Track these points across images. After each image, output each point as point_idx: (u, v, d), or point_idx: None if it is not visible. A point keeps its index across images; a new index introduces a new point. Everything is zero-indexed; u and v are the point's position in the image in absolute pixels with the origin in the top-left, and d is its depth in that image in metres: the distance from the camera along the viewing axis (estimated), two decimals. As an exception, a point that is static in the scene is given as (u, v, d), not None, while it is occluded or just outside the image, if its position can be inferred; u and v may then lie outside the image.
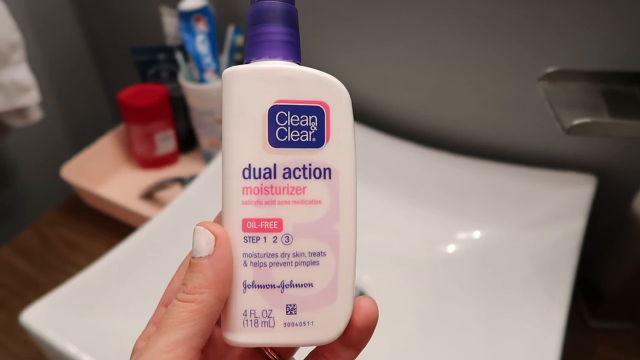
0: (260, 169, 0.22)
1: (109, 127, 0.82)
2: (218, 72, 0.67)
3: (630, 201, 0.50)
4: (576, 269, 0.47)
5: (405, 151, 0.59)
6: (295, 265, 0.22)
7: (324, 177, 0.22)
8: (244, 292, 0.22)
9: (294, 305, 0.22)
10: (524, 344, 0.43)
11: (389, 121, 0.63)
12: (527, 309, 0.46)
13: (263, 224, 0.22)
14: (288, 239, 0.22)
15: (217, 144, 0.71)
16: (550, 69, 0.41)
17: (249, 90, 0.22)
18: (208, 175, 0.59)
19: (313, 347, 0.24)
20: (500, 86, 0.55)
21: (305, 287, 0.22)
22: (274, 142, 0.22)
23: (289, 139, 0.22)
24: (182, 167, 0.76)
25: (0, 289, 0.65)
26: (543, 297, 0.45)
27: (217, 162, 0.62)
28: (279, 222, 0.22)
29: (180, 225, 0.53)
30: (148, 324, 0.25)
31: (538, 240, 0.51)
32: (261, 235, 0.22)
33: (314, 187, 0.22)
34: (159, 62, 0.72)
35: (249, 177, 0.22)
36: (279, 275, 0.22)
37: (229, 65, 0.67)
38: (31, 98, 0.66)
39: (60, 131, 0.86)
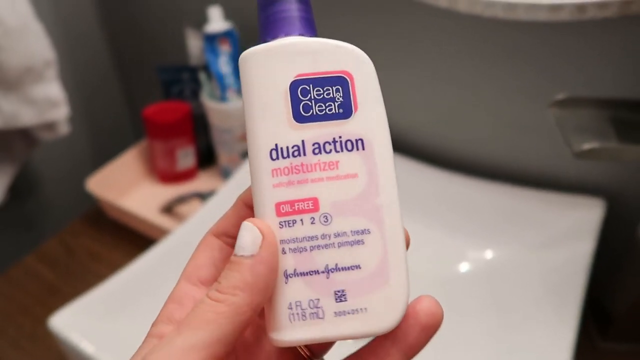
0: (288, 148, 0.20)
1: (131, 142, 0.85)
2: (239, 91, 0.69)
3: (639, 224, 0.51)
4: (585, 291, 0.48)
5: (416, 171, 0.61)
6: (339, 247, 0.20)
7: (357, 149, 0.21)
8: (286, 283, 0.20)
9: (342, 291, 0.20)
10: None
11: (400, 141, 0.65)
12: (536, 329, 0.46)
13: (298, 205, 0.20)
14: (327, 218, 0.20)
15: (236, 160, 0.73)
16: (560, 96, 0.43)
17: (268, 68, 0.21)
18: (227, 191, 0.61)
19: (357, 346, 0.21)
20: (511, 110, 0.56)
21: (352, 269, 0.20)
22: (299, 118, 0.21)
23: (314, 113, 0.21)
24: (201, 182, 0.78)
25: (25, 296, 0.67)
26: (552, 318, 0.46)
27: (236, 177, 0.64)
28: (315, 202, 0.20)
29: (199, 239, 0.55)
30: (167, 302, 0.22)
31: (548, 262, 0.52)
32: (297, 217, 0.20)
33: (348, 160, 0.20)
34: (183, 80, 0.75)
35: (277, 157, 0.20)
36: (321, 259, 0.20)
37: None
38: (61, 113, 0.69)
39: (85, 145, 0.89)
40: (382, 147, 0.21)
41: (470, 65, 0.56)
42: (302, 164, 0.20)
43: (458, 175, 0.59)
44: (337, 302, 0.20)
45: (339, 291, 0.20)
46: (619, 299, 0.54)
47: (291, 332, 0.20)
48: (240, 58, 0.22)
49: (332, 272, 0.20)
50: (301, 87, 0.21)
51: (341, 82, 0.21)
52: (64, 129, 0.72)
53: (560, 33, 0.50)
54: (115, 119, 0.93)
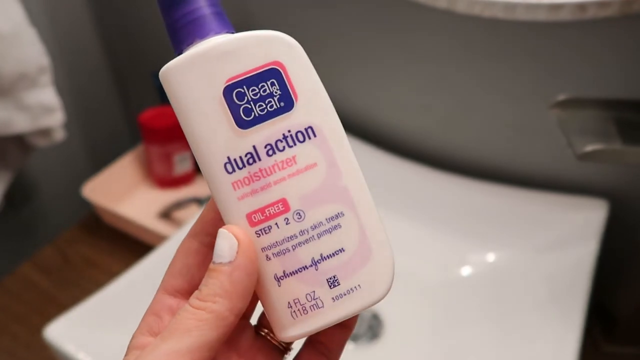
0: (241, 158, 0.20)
1: (127, 147, 0.84)
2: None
3: (643, 226, 0.51)
4: (589, 294, 0.47)
5: (418, 174, 0.60)
6: (319, 237, 0.20)
7: (309, 137, 0.20)
8: (279, 286, 0.20)
9: (334, 277, 0.21)
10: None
11: (402, 144, 0.64)
12: (539, 332, 0.46)
13: (268, 210, 0.20)
14: (300, 215, 0.20)
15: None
16: (562, 97, 0.42)
17: (194, 81, 0.20)
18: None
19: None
20: (513, 111, 0.56)
21: (337, 254, 0.21)
22: (243, 124, 0.20)
23: (256, 114, 0.20)
24: (199, 187, 0.77)
25: (21, 305, 0.66)
26: (556, 321, 0.46)
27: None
28: (284, 202, 0.20)
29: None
30: (146, 314, 0.23)
31: (551, 264, 0.51)
32: (271, 222, 0.20)
33: (304, 152, 0.20)
34: (178, 85, 0.74)
35: (233, 170, 0.20)
36: (306, 254, 0.20)
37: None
38: (56, 119, 0.68)
39: (81, 151, 0.88)
40: (333, 129, 0.21)
41: (471, 67, 0.56)
42: (260, 170, 0.20)
43: (459, 177, 0.59)
44: (331, 288, 0.21)
45: (330, 278, 0.21)
46: (624, 302, 0.53)
47: (297, 327, 0.21)
48: (160, 76, 0.20)
49: (319, 262, 0.20)
50: (235, 91, 0.20)
51: (274, 74, 0.20)
52: (59, 135, 0.71)
53: (561, 33, 0.49)
54: (111, 124, 0.92)
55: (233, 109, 0.20)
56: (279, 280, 0.20)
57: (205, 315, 0.19)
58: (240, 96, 0.20)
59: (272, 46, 0.20)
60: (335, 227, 0.20)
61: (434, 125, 0.62)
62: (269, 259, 0.20)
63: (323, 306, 0.21)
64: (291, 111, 0.20)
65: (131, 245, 0.71)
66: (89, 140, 0.89)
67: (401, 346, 0.49)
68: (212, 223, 0.22)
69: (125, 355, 0.21)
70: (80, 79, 0.85)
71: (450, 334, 0.50)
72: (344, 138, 0.21)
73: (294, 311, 0.21)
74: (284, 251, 0.20)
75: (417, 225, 0.57)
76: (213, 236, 0.22)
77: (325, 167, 0.20)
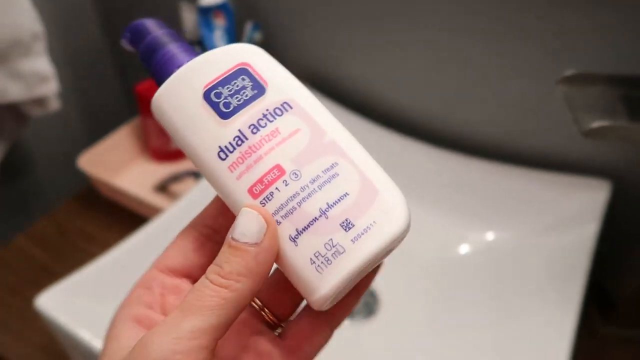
0: (230, 143, 0.22)
1: (125, 119, 0.83)
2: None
3: (646, 208, 0.50)
4: (588, 275, 0.46)
5: (419, 151, 0.59)
6: (320, 189, 0.21)
7: (286, 110, 0.22)
8: (297, 246, 0.21)
9: (346, 220, 0.21)
10: (533, 348, 0.43)
11: (406, 121, 0.63)
12: (537, 313, 0.45)
13: (266, 178, 0.21)
14: (296, 174, 0.21)
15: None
16: (569, 72, 0.41)
17: (177, 97, 0.23)
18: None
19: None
20: (517, 89, 0.54)
21: (343, 199, 0.21)
22: (225, 115, 0.22)
23: (234, 105, 0.22)
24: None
25: (16, 277, 0.66)
26: (554, 301, 0.45)
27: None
28: (278, 167, 0.21)
29: (192, 217, 0.54)
30: (135, 287, 0.23)
31: (550, 244, 0.50)
32: (272, 188, 0.21)
33: (285, 122, 0.22)
34: (176, 56, 0.73)
35: (226, 155, 0.22)
36: (312, 206, 0.21)
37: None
38: (50, 88, 0.67)
39: (77, 122, 0.87)
40: (306, 99, 0.23)
41: (475, 43, 0.54)
42: (249, 147, 0.22)
43: (461, 155, 0.58)
44: (347, 231, 0.21)
45: (343, 222, 0.21)
46: (623, 284, 0.53)
47: (327, 282, 0.21)
48: (152, 106, 0.23)
49: (327, 211, 0.21)
50: (213, 92, 0.22)
51: (243, 71, 0.23)
52: (54, 104, 0.70)
53: (569, 8, 0.47)
54: (108, 95, 0.91)
55: (214, 106, 0.22)
56: (294, 240, 0.21)
57: (228, 294, 0.19)
58: (218, 95, 0.22)
59: (236, 52, 0.23)
60: (333, 176, 0.21)
61: (436, 103, 0.61)
62: (279, 222, 0.21)
63: (345, 250, 0.21)
64: (265, 94, 0.22)
65: (127, 218, 0.70)
66: (86, 111, 0.87)
67: (397, 323, 0.49)
68: (212, 216, 0.24)
69: (116, 325, 0.21)
70: (77, 48, 0.83)
71: (446, 313, 0.49)
72: (320, 105, 0.23)
73: (318, 265, 0.21)
74: (291, 210, 0.21)
75: (417, 202, 0.56)
76: (211, 228, 0.23)
77: (308, 130, 0.22)
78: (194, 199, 0.56)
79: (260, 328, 0.24)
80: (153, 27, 0.24)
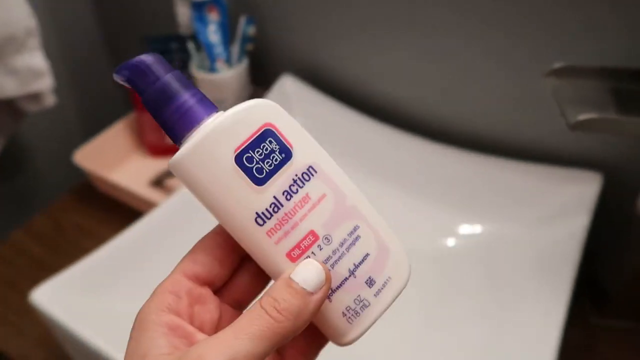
0: (267, 209, 0.23)
1: (121, 114, 0.83)
2: (229, 61, 0.67)
3: (637, 199, 0.50)
4: (578, 267, 0.47)
5: (410, 144, 0.59)
6: (348, 251, 0.24)
7: (312, 175, 0.24)
8: (331, 302, 0.24)
9: (369, 278, 0.24)
10: (522, 339, 0.43)
11: (399, 115, 0.63)
12: (527, 305, 0.46)
13: (303, 244, 0.23)
14: (328, 239, 0.24)
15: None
16: (557, 65, 0.41)
17: (204, 163, 0.22)
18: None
19: None
20: (507, 82, 0.55)
21: (365, 259, 0.24)
22: (259, 181, 0.23)
23: (267, 170, 0.23)
24: (192, 155, 0.77)
25: (13, 271, 0.66)
26: (544, 293, 0.45)
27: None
28: (313, 233, 0.24)
29: (186, 211, 0.54)
30: (162, 290, 0.23)
31: (541, 237, 0.51)
32: (308, 252, 0.23)
33: (313, 188, 0.24)
34: (172, 51, 0.73)
35: (264, 222, 0.23)
36: (343, 268, 0.24)
37: (240, 55, 0.67)
38: (45, 83, 0.67)
39: (73, 117, 0.87)
40: (326, 161, 0.24)
41: (465, 39, 0.54)
42: (285, 214, 0.23)
43: (452, 148, 0.58)
44: (370, 287, 0.24)
45: (367, 280, 0.24)
46: (615, 275, 0.53)
47: (355, 330, 0.24)
48: (170, 167, 0.23)
49: (355, 271, 0.24)
50: (244, 156, 0.23)
51: (270, 134, 0.23)
52: (49, 100, 0.70)
53: (558, 1, 0.47)
54: (104, 90, 0.91)
55: (248, 171, 0.23)
56: (329, 298, 0.24)
57: (279, 329, 0.21)
58: (250, 160, 0.23)
59: (258, 111, 0.23)
60: (356, 239, 0.24)
61: (428, 96, 0.61)
62: None
63: (370, 304, 0.24)
64: (292, 159, 0.24)
65: (124, 213, 0.71)
66: (82, 106, 0.88)
67: (388, 315, 0.49)
68: (215, 261, 0.24)
69: (144, 328, 0.22)
70: (72, 43, 0.83)
71: (436, 305, 0.50)
72: (336, 166, 0.25)
73: (349, 317, 0.24)
74: None
75: (409, 195, 0.57)
76: (206, 281, 0.24)
77: (332, 194, 0.24)
78: (188, 194, 0.56)
79: None
80: (158, 68, 0.23)
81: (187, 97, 0.23)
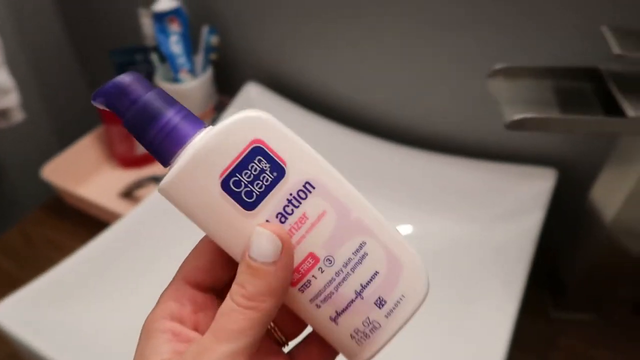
0: None
1: (92, 126, 0.83)
2: (192, 71, 0.68)
3: (589, 192, 0.51)
4: (532, 262, 0.48)
5: (370, 145, 0.60)
6: (353, 271, 0.22)
7: (309, 191, 0.22)
8: (337, 325, 0.22)
9: (379, 298, 0.22)
10: (476, 334, 0.44)
11: (358, 117, 0.64)
12: (482, 300, 0.47)
13: (302, 268, 0.22)
14: (329, 260, 0.22)
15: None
16: (498, 66, 0.42)
17: (191, 187, 0.21)
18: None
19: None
20: (460, 81, 0.56)
21: (374, 278, 0.22)
22: (249, 206, 0.21)
23: (257, 193, 0.21)
24: (160, 165, 0.77)
25: (-17, 287, 0.66)
26: (498, 289, 0.46)
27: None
28: (312, 256, 0.22)
29: (152, 221, 0.55)
30: (165, 298, 0.23)
31: (497, 234, 0.52)
32: (309, 276, 0.22)
33: (311, 206, 0.22)
34: (137, 62, 0.73)
35: None
36: (348, 290, 0.22)
37: (205, 65, 0.68)
38: (11, 100, 0.67)
39: (44, 131, 0.87)
40: (327, 173, 0.22)
41: (420, 39, 0.55)
42: None
43: (409, 148, 0.59)
44: (381, 308, 0.22)
45: (377, 300, 0.22)
46: (572, 269, 0.54)
47: (366, 351, 0.23)
48: (160, 191, 0.22)
49: (362, 292, 0.22)
50: (231, 181, 0.21)
51: (258, 151, 0.21)
52: (17, 116, 0.70)
53: (504, 2, 0.49)
54: (73, 103, 0.91)
55: (235, 196, 0.21)
56: (335, 321, 0.22)
57: (255, 315, 0.20)
58: (237, 184, 0.21)
59: (246, 127, 0.21)
60: (363, 257, 0.22)
61: (386, 98, 0.62)
62: (319, 306, 0.22)
63: (380, 326, 0.23)
64: (285, 176, 0.21)
65: (95, 226, 0.70)
66: (51, 120, 0.88)
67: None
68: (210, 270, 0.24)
69: (149, 335, 0.22)
70: (40, 58, 0.84)
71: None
72: (338, 175, 0.22)
73: (358, 340, 0.22)
74: (329, 295, 0.22)
75: (366, 195, 0.57)
76: (203, 288, 0.23)
77: (334, 210, 0.22)
78: (154, 203, 0.57)
79: (273, 348, 0.25)
80: (137, 88, 0.21)
81: (171, 115, 0.21)
